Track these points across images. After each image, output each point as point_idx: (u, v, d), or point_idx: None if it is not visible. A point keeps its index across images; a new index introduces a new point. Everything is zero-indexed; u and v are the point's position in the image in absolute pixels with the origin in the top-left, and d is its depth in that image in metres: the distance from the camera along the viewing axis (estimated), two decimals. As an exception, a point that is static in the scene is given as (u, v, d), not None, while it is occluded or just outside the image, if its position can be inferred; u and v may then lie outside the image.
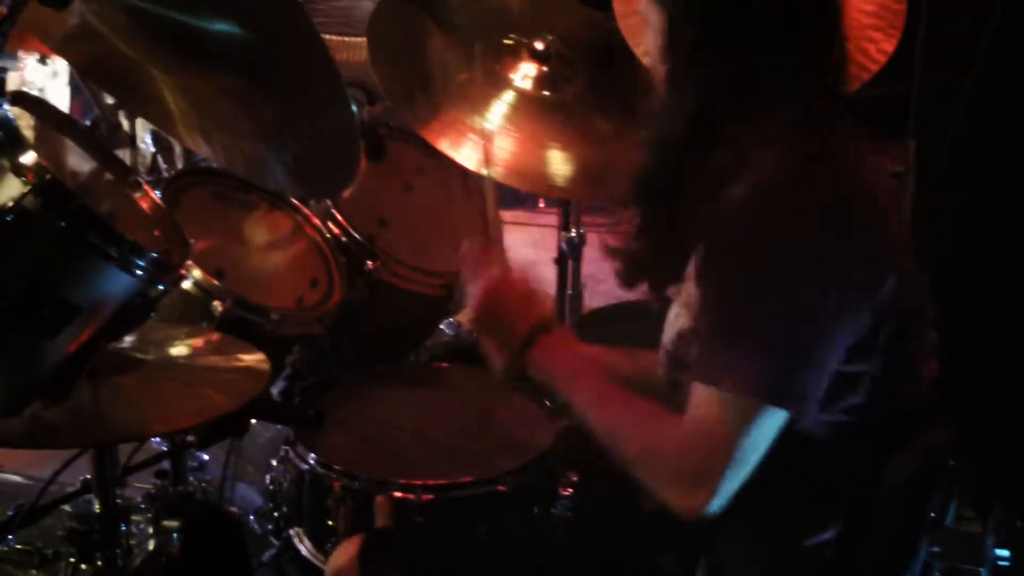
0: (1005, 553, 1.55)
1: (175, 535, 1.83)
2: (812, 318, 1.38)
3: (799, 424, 1.39)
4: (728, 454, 1.36)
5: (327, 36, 2.90)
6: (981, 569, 1.50)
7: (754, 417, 1.36)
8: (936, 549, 1.47)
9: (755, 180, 1.42)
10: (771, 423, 1.37)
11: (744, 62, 1.46)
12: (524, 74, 2.56)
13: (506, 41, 2.58)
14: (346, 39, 2.99)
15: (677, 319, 1.57)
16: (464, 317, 1.68)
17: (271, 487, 2.20)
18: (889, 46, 2.03)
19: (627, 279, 1.66)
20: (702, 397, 1.39)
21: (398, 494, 1.96)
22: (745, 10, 1.46)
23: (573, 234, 2.91)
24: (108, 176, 1.64)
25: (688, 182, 1.52)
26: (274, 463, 2.21)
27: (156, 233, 1.60)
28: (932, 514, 1.48)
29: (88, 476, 1.74)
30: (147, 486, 1.97)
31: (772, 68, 1.46)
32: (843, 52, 1.54)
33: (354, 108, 1.64)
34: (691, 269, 1.50)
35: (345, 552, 1.73)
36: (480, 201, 1.89)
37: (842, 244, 1.38)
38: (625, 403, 1.52)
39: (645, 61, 1.61)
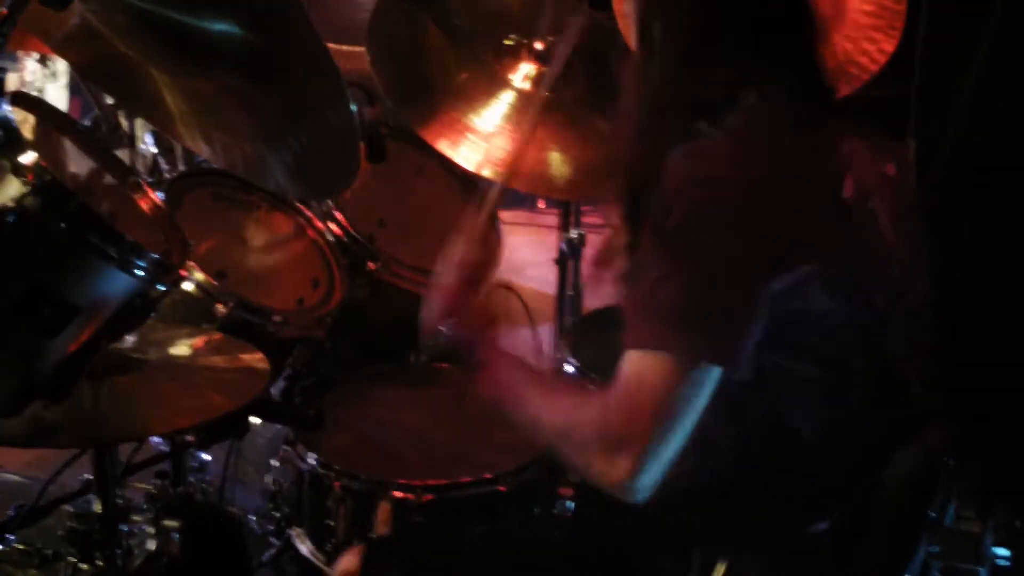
0: (1004, 552, 1.55)
1: (175, 535, 1.84)
2: (729, 281, 1.35)
3: (735, 376, 1.35)
4: (650, 414, 1.32)
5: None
6: (980, 568, 1.50)
7: (676, 374, 1.32)
8: (935, 548, 1.47)
9: (686, 153, 1.42)
10: (696, 380, 1.33)
11: (706, 55, 1.47)
12: (524, 74, 2.56)
13: (506, 41, 2.58)
14: (343, 48, 2.99)
15: None
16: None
17: (271, 487, 2.21)
18: (889, 46, 2.03)
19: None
20: (625, 362, 1.36)
21: (398, 494, 1.97)
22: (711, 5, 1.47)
23: (573, 235, 2.91)
24: (108, 176, 1.64)
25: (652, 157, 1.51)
26: (274, 463, 2.21)
27: (156, 234, 1.60)
28: (931, 514, 1.48)
29: (88, 476, 1.74)
30: (147, 486, 1.97)
31: (736, 60, 1.46)
32: (815, 47, 1.54)
33: (354, 108, 1.64)
34: None
35: (347, 561, 1.73)
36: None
37: (763, 224, 1.36)
38: (554, 390, 1.52)
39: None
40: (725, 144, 1.42)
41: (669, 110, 1.49)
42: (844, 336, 1.43)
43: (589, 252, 2.94)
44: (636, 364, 1.35)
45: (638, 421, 1.33)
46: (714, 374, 1.33)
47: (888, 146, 1.55)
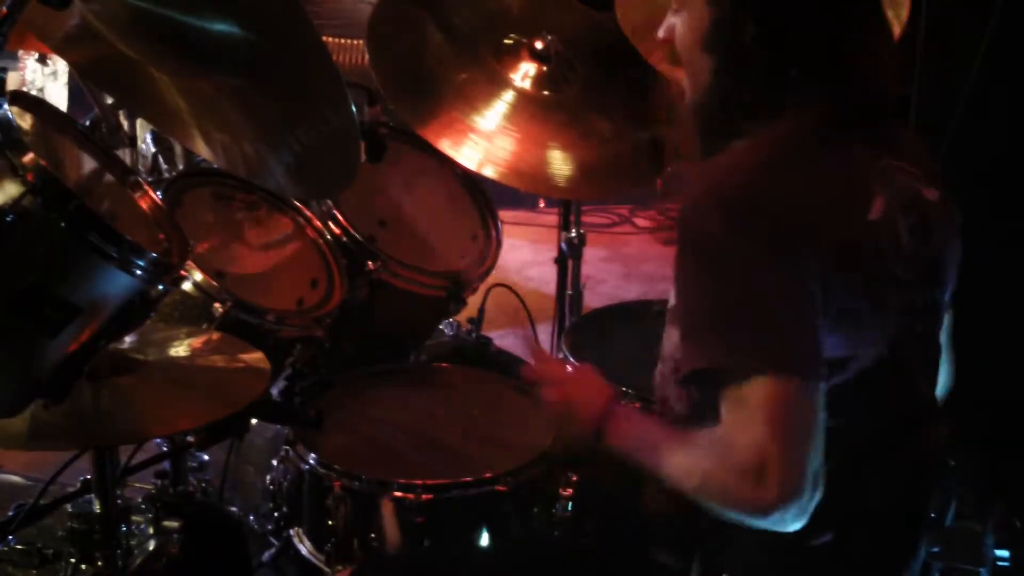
0: (1005, 553, 1.55)
1: (175, 535, 1.83)
2: (780, 292, 1.36)
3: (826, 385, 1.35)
4: (772, 438, 1.32)
5: (325, 38, 2.90)
6: (981, 569, 1.50)
7: (782, 392, 1.33)
8: (936, 549, 1.47)
9: (714, 165, 1.43)
10: (802, 394, 1.34)
11: (783, 60, 1.47)
12: (524, 74, 2.56)
13: (506, 41, 2.58)
14: (343, 41, 2.99)
15: (669, 338, 1.57)
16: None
17: (271, 487, 2.20)
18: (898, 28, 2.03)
19: None
20: (721, 398, 1.37)
21: (398, 494, 1.97)
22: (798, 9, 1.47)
23: (573, 234, 2.91)
24: (108, 176, 1.64)
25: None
26: (274, 463, 2.21)
27: (156, 233, 1.60)
28: (932, 514, 1.48)
29: (88, 476, 1.74)
30: (147, 486, 1.97)
31: (806, 68, 1.47)
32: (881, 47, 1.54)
33: (354, 108, 1.64)
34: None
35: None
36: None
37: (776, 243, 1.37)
38: (682, 442, 1.49)
39: (651, 55, 1.62)
40: (748, 160, 1.43)
41: (713, 115, 1.50)
42: (859, 352, 1.43)
43: (589, 252, 2.94)
44: (737, 395, 1.35)
45: (763, 447, 1.33)
46: (810, 388, 1.34)
47: (932, 169, 1.54)
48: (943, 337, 1.63)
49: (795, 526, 1.35)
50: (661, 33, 1.62)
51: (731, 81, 1.50)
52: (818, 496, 1.34)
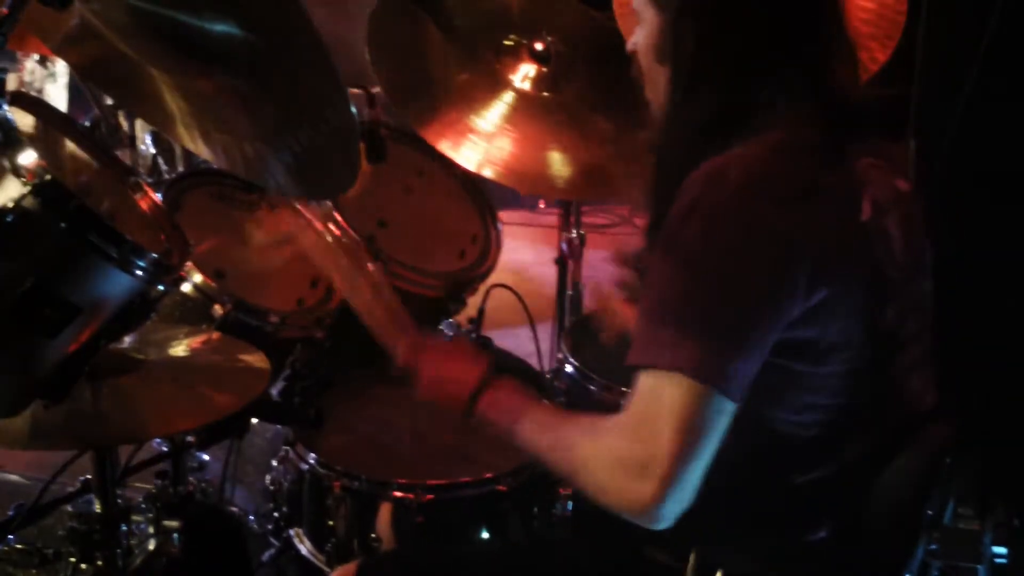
0: (1003, 551, 1.55)
1: (175, 535, 1.84)
2: (748, 303, 1.34)
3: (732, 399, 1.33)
4: (670, 438, 1.30)
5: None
6: (979, 567, 1.50)
7: (697, 398, 1.31)
8: (934, 547, 1.47)
9: (705, 169, 1.40)
10: (715, 407, 1.32)
11: (748, 70, 1.46)
12: (524, 74, 2.56)
13: (506, 41, 2.58)
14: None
15: None
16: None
17: (271, 487, 2.21)
18: (882, 55, 2.03)
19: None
20: (641, 383, 1.36)
21: (398, 494, 1.97)
22: (749, 16, 1.46)
23: (573, 234, 2.91)
24: (108, 176, 1.64)
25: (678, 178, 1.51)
26: (274, 463, 2.21)
27: (156, 234, 1.60)
28: (930, 512, 1.48)
29: (88, 476, 1.74)
30: (147, 486, 1.97)
31: (775, 74, 1.46)
32: (843, 55, 1.54)
33: (354, 109, 1.64)
34: None
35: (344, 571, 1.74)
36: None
37: (775, 236, 1.35)
38: (566, 421, 1.50)
39: (634, 56, 1.62)
40: (745, 163, 1.40)
41: (693, 126, 1.49)
42: (850, 354, 1.43)
43: (590, 252, 2.94)
44: (657, 388, 1.34)
45: (660, 448, 1.31)
46: (721, 401, 1.32)
47: (898, 158, 1.53)
48: None
49: (657, 527, 1.35)
50: (629, 47, 1.62)
51: (686, 95, 1.49)
52: (686, 507, 1.34)
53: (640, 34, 1.57)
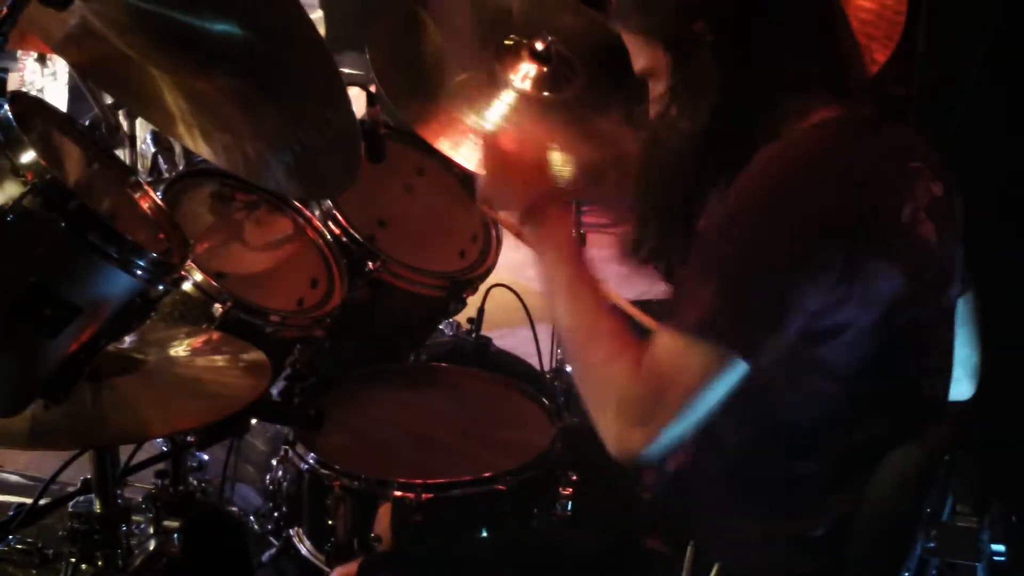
0: (1001, 548, 1.55)
1: (175, 535, 1.83)
2: (792, 282, 1.36)
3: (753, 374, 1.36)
4: (680, 400, 1.35)
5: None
6: (977, 565, 1.50)
7: (719, 367, 1.34)
8: (932, 544, 1.47)
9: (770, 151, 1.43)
10: (731, 375, 1.35)
11: (753, 70, 1.47)
12: (524, 74, 2.56)
13: (506, 42, 2.58)
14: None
15: None
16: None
17: (271, 487, 2.21)
18: (881, 56, 2.04)
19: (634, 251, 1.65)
20: (669, 341, 1.38)
21: (398, 494, 1.97)
22: (751, 20, 1.47)
23: (573, 234, 2.90)
24: (108, 176, 1.64)
25: (703, 178, 1.52)
26: (274, 463, 2.21)
27: (156, 233, 1.60)
28: (928, 509, 1.48)
29: (88, 476, 1.74)
30: (147, 486, 1.97)
31: (780, 71, 1.48)
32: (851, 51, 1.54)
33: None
34: None
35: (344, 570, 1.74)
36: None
37: (827, 216, 1.38)
38: (600, 315, 1.49)
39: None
40: (793, 157, 1.42)
41: (718, 123, 1.49)
42: (866, 347, 1.43)
43: (590, 252, 2.94)
44: (684, 351, 1.36)
45: (666, 407, 1.35)
46: (740, 369, 1.35)
47: (936, 163, 1.53)
48: (970, 332, 1.64)
49: (627, 464, 1.40)
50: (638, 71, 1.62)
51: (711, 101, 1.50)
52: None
53: (638, 57, 1.58)
